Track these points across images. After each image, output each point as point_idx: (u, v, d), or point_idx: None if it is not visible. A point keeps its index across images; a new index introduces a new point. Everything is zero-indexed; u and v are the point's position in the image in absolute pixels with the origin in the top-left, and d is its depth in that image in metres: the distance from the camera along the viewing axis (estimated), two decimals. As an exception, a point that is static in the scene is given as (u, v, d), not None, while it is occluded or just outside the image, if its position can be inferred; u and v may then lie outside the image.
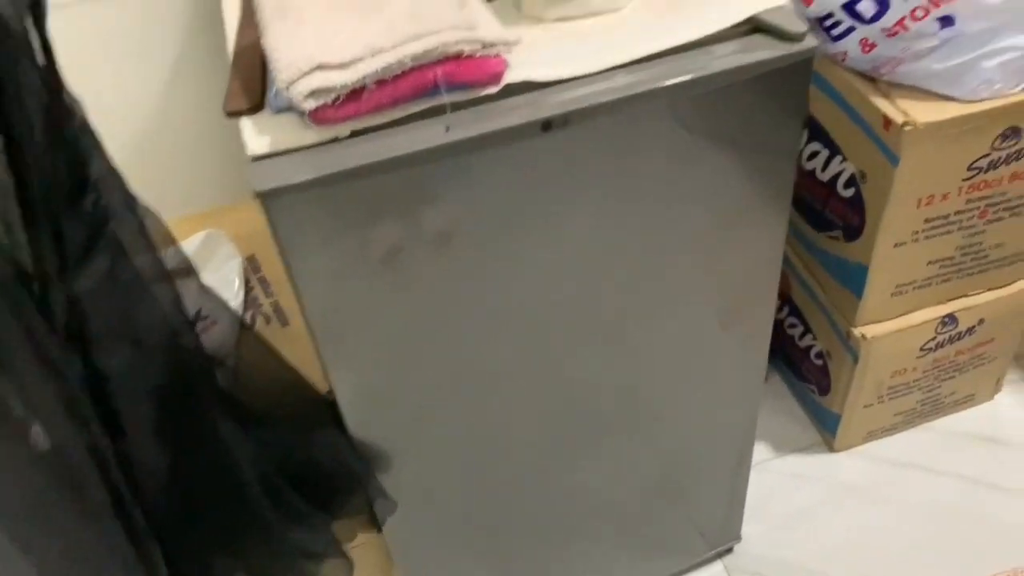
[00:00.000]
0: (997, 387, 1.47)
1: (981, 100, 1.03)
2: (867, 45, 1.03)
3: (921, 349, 1.30)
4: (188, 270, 0.92)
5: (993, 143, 1.07)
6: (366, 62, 0.69)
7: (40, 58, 0.64)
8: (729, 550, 1.33)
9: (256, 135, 0.71)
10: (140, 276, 0.78)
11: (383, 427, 0.90)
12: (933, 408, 1.44)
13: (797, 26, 0.76)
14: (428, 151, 0.71)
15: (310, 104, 0.68)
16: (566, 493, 1.11)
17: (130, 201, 0.80)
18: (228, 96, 0.75)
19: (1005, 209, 1.16)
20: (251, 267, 1.04)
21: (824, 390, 1.40)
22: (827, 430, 1.43)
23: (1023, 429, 1.44)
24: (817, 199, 1.24)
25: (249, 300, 1.00)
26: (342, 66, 0.69)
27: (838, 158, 1.16)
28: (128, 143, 1.10)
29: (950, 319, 1.27)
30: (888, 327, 1.25)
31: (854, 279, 1.22)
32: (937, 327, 1.28)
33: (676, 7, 0.81)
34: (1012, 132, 1.07)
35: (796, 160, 0.86)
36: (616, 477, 1.13)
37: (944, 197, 1.11)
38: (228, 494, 0.85)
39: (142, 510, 0.80)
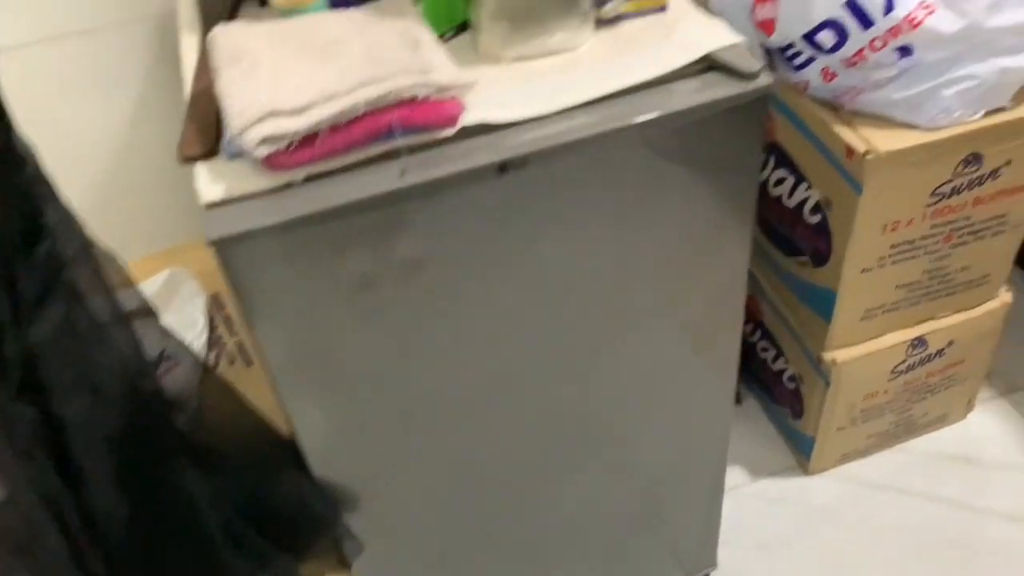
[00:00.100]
0: (969, 406, 1.47)
1: (942, 128, 1.04)
2: (828, 74, 1.04)
3: (892, 372, 1.31)
4: (149, 312, 0.91)
5: (955, 169, 1.08)
6: (319, 108, 0.69)
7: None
8: (705, 576, 1.33)
9: (210, 182, 0.71)
10: (97, 322, 0.77)
11: (348, 466, 0.89)
12: (906, 429, 1.44)
13: (751, 64, 0.76)
14: (383, 196, 0.71)
15: (262, 151, 0.68)
16: (538, 524, 1.11)
17: (86, 246, 0.80)
18: (182, 142, 0.74)
19: (969, 233, 1.17)
20: (215, 305, 1.03)
21: (798, 413, 1.40)
22: (802, 453, 1.43)
23: (996, 448, 1.44)
24: (785, 225, 1.25)
25: (213, 339, 1.00)
26: (295, 112, 0.69)
27: (804, 185, 1.17)
28: (91, 182, 1.09)
29: (920, 342, 1.28)
30: (858, 351, 1.26)
31: (823, 304, 1.22)
32: (907, 350, 1.28)
33: (632, 46, 0.82)
34: (973, 158, 1.08)
35: (756, 192, 0.86)
36: (589, 506, 1.12)
37: (909, 223, 1.12)
38: (190, 540, 0.84)
39: (103, 558, 0.79)
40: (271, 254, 0.71)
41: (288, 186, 0.71)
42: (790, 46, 1.04)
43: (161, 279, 1.00)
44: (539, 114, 0.75)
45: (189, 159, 0.73)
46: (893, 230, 1.12)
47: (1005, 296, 1.30)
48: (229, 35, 0.78)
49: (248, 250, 0.69)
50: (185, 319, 0.98)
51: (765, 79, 0.76)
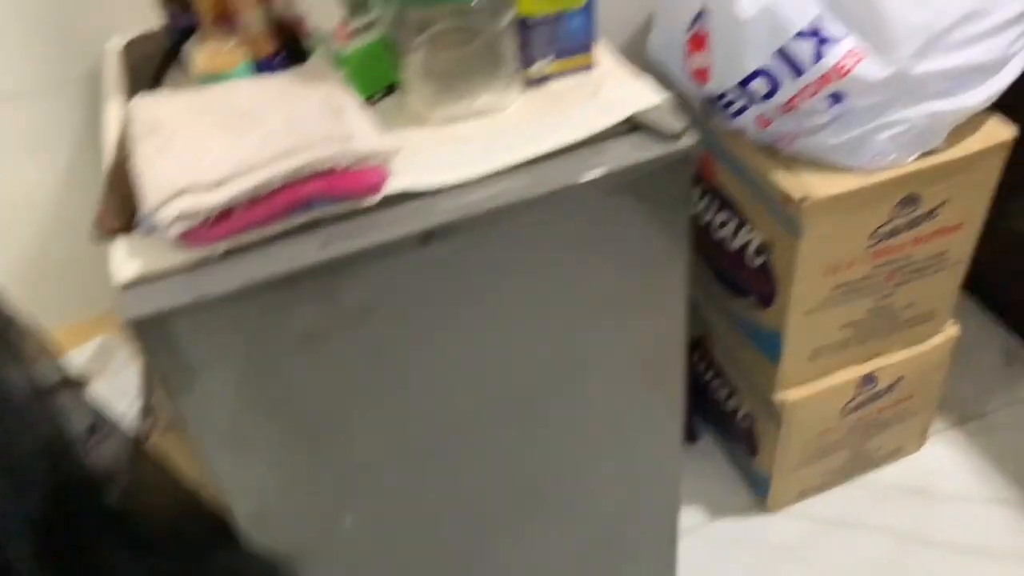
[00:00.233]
0: (923, 438, 1.48)
1: (878, 171, 1.05)
2: (763, 121, 1.04)
3: (843, 409, 1.31)
4: (76, 383, 0.89)
5: (893, 211, 1.09)
6: (236, 181, 0.68)
7: None
8: (665, 622, 1.32)
9: (126, 258, 0.70)
10: (13, 401, 0.75)
11: (285, 534, 0.88)
12: (862, 464, 1.44)
13: (675, 125, 0.76)
14: (304, 269, 0.70)
15: (177, 228, 0.67)
16: (490, 577, 1.09)
17: (5, 321, 0.78)
18: (99, 217, 0.73)
19: (912, 272, 1.18)
20: (150, 371, 1.01)
21: (753, 451, 1.40)
22: (760, 491, 1.43)
23: (951, 480, 1.45)
24: (730, 267, 1.25)
25: (149, 407, 0.97)
26: (210, 187, 0.68)
27: (746, 228, 1.17)
28: (22, 247, 1.07)
29: (869, 379, 1.28)
30: (808, 390, 1.26)
31: (771, 345, 1.22)
32: (857, 387, 1.28)
33: (559, 106, 0.82)
34: (910, 199, 1.08)
35: (689, 244, 0.86)
36: (541, 557, 1.11)
37: (850, 265, 1.13)
38: (121, 622, 0.82)
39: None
40: (188, 332, 0.69)
41: (207, 261, 0.70)
42: (724, 95, 1.05)
43: (93, 347, 0.98)
44: (465, 179, 0.75)
45: (106, 234, 0.72)
46: (835, 272, 1.13)
47: (951, 330, 1.31)
48: (147, 106, 0.77)
49: (163, 329, 0.68)
50: (117, 389, 0.95)
51: (689, 139, 0.76)
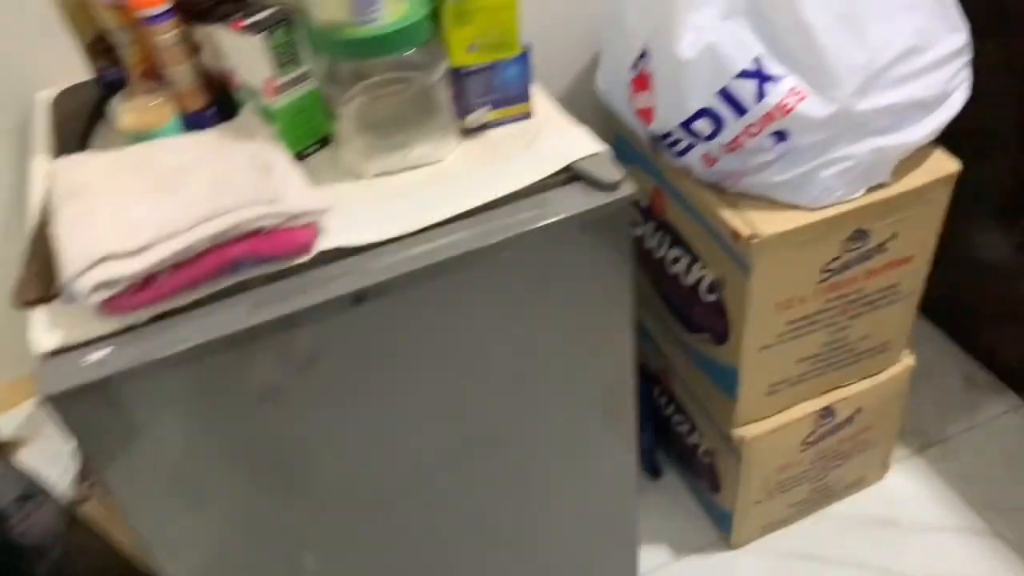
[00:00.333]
0: (885, 468, 1.47)
1: (825, 207, 1.04)
2: (709, 160, 1.04)
3: (803, 443, 1.30)
4: (9, 446, 0.86)
5: (842, 246, 1.08)
6: (159, 247, 0.66)
7: None
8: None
9: (46, 329, 0.67)
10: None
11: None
12: (825, 496, 1.43)
13: (612, 175, 0.75)
14: (233, 335, 0.67)
15: (97, 298, 0.65)
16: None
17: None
18: (19, 285, 0.70)
19: (865, 304, 1.18)
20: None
21: (715, 487, 1.38)
22: (723, 527, 1.42)
23: (914, 508, 1.44)
24: (684, 303, 1.24)
25: (85, 470, 0.94)
26: (132, 254, 0.66)
27: (698, 264, 1.17)
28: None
29: (828, 412, 1.28)
30: (767, 425, 1.25)
31: (727, 381, 1.21)
32: (816, 421, 1.28)
33: (497, 156, 0.80)
34: (859, 234, 1.08)
35: (633, 290, 0.85)
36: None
37: (803, 300, 1.12)
38: None
39: None
40: (111, 403, 0.67)
41: (131, 329, 0.67)
42: (670, 134, 1.04)
43: (27, 408, 0.95)
44: (401, 233, 0.73)
45: (26, 304, 0.69)
46: (788, 308, 1.12)
47: (907, 360, 1.31)
48: (70, 168, 0.75)
49: (85, 402, 0.65)
50: (52, 453, 0.92)
51: (627, 188, 0.75)
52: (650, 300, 1.35)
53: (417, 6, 0.74)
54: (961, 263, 1.51)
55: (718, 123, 0.99)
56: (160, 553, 0.78)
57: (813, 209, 1.05)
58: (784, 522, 1.43)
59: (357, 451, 0.83)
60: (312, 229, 0.71)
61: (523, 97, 0.83)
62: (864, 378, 1.29)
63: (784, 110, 0.96)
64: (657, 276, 1.29)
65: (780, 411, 1.25)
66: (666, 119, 1.03)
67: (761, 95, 0.96)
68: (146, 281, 0.66)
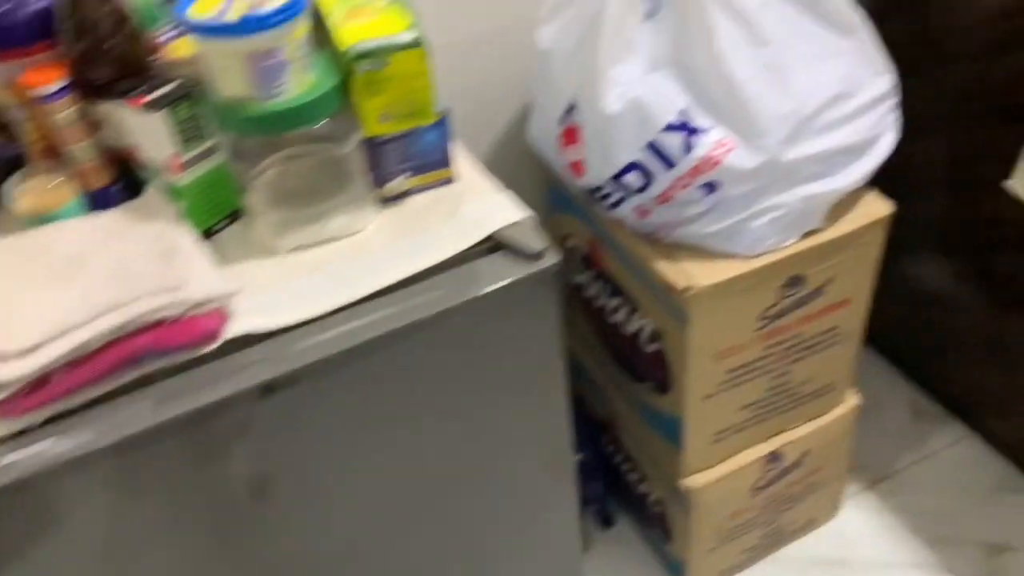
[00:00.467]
0: (836, 507, 1.46)
1: (759, 255, 1.03)
2: (641, 212, 1.02)
3: (752, 489, 1.28)
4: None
5: (778, 293, 1.07)
6: (52, 345, 0.62)
7: None
8: None
9: (-69, 436, 0.62)
10: None
11: None
12: (777, 540, 1.41)
13: (535, 244, 0.73)
14: (136, 435, 0.63)
15: (-17, 404, 0.60)
16: None
17: None
18: (-98, 388, 0.65)
19: (805, 349, 1.17)
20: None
21: (668, 536, 1.36)
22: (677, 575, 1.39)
23: (867, 546, 1.43)
24: (627, 352, 1.22)
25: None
26: (22, 354, 0.61)
27: (637, 314, 1.15)
28: None
29: (775, 456, 1.26)
30: (714, 474, 1.23)
31: (672, 430, 1.19)
32: (763, 466, 1.26)
33: (417, 226, 0.78)
34: (795, 280, 1.07)
35: (563, 355, 0.82)
36: None
37: (742, 348, 1.11)
38: None
39: None
40: (3, 512, 0.62)
41: (23, 433, 0.63)
42: (601, 187, 1.02)
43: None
44: (311, 316, 0.70)
45: (-90, 409, 0.64)
46: (727, 356, 1.11)
47: (852, 399, 1.30)
48: (-42, 259, 0.70)
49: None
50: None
51: (551, 258, 0.73)
52: (596, 349, 1.33)
53: (325, 78, 0.72)
54: (904, 295, 1.51)
55: (648, 176, 0.98)
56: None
57: (748, 257, 1.04)
58: (738, 568, 1.41)
59: (286, 534, 0.79)
60: (219, 315, 0.67)
61: (443, 163, 0.80)
62: (809, 420, 1.28)
63: (712, 162, 0.95)
64: (599, 325, 1.27)
65: (727, 458, 1.23)
66: (596, 173, 1.02)
67: (688, 148, 0.95)
68: (39, 381, 0.62)
